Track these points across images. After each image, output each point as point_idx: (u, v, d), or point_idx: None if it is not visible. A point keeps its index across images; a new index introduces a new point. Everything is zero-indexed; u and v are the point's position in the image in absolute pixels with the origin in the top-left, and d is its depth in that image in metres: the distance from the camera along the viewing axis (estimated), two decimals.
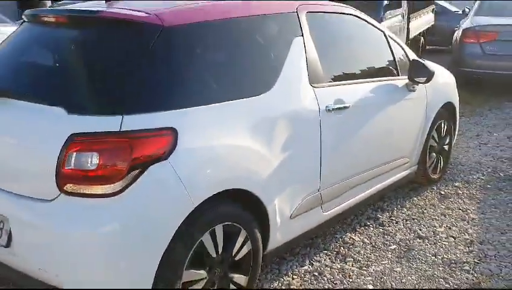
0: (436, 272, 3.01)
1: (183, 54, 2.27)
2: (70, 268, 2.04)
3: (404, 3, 8.72)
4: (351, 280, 2.92)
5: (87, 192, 2.02)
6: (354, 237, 3.42)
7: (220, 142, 2.28)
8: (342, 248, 3.28)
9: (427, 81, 3.56)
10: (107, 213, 2.00)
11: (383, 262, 3.12)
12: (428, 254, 3.22)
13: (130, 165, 2.00)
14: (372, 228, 3.57)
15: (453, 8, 13.30)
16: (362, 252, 3.24)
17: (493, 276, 2.95)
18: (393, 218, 3.73)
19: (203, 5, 2.58)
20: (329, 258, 3.16)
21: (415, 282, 2.91)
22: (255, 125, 2.45)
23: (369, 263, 3.11)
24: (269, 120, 2.54)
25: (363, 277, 2.96)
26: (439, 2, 12.95)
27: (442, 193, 4.21)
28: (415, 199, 4.08)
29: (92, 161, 2.00)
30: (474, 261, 3.12)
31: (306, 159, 2.77)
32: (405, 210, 3.87)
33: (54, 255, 2.05)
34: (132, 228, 2.03)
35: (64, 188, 2.03)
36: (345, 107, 2.96)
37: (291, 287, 2.85)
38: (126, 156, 1.99)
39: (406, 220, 3.70)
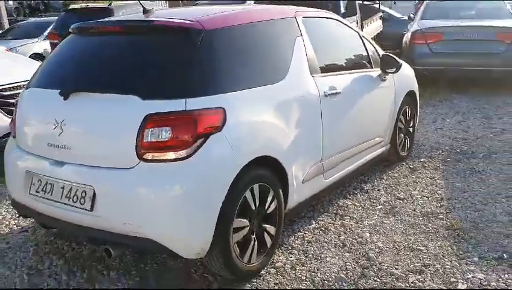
0: (417, 221, 3.75)
1: (221, 51, 2.90)
2: (151, 219, 2.61)
3: (358, 11, 9.64)
4: (351, 231, 3.61)
5: (161, 158, 2.61)
6: (346, 202, 4.13)
7: (254, 119, 2.92)
8: (338, 210, 3.97)
9: (396, 71, 4.34)
10: (179, 173, 2.60)
11: (374, 218, 3.83)
12: (408, 210, 3.96)
13: (195, 136, 2.60)
14: (359, 195, 4.28)
15: (398, 15, 14.45)
16: (355, 212, 3.94)
17: (462, 220, 3.72)
18: (375, 187, 4.46)
19: (230, 13, 3.23)
20: (330, 218, 3.83)
21: (402, 229, 3.63)
22: (276, 106, 3.10)
23: (362, 219, 3.81)
24: (285, 102, 3.20)
25: (360, 229, 3.65)
26: (385, 9, 14.05)
27: (411, 166, 4.99)
28: (390, 172, 4.83)
29: (165, 133, 2.59)
30: (446, 212, 3.88)
31: (312, 134, 3.44)
32: (383, 181, 4.61)
33: (137, 210, 2.61)
34: (199, 184, 2.64)
35: (143, 157, 2.61)
36: (337, 93, 3.67)
37: (306, 239, 3.50)
38: (192, 129, 2.60)
39: (386, 188, 4.44)
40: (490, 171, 4.77)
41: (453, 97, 8.18)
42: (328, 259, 3.23)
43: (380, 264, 3.15)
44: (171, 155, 2.60)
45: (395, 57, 4.40)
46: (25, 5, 25.82)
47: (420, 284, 2.93)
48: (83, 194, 2.77)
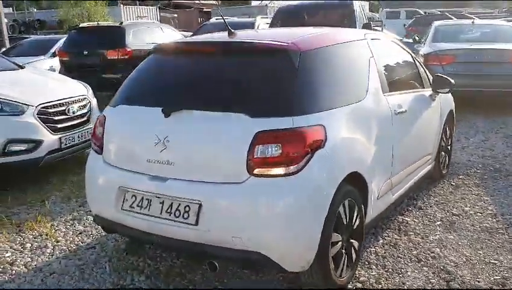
0: (480, 236, 3.87)
1: (316, 71, 3.01)
2: (261, 232, 2.68)
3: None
4: (421, 246, 3.71)
5: (271, 173, 2.69)
6: (405, 218, 4.23)
7: (347, 136, 3.03)
8: (400, 226, 4.08)
9: (450, 91, 4.51)
10: (289, 188, 2.68)
11: (437, 233, 3.94)
12: (467, 225, 4.08)
13: (304, 152, 2.70)
14: (414, 211, 4.40)
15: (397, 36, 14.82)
16: (417, 227, 4.05)
17: None
18: (426, 203, 4.58)
19: (316, 35, 3.35)
20: (395, 234, 3.94)
21: (468, 243, 3.75)
22: (361, 124, 3.22)
23: (426, 234, 3.92)
24: (367, 120, 3.32)
25: (427, 243, 3.76)
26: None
27: (453, 183, 5.14)
28: (435, 189, 4.97)
29: (275, 150, 2.68)
30: (505, 227, 4.02)
31: (386, 151, 3.56)
32: (432, 197, 4.74)
33: (247, 223, 2.68)
34: (307, 199, 2.73)
35: (254, 172, 2.69)
36: (403, 112, 3.81)
37: (379, 254, 3.59)
38: (301, 145, 2.70)
39: (437, 204, 4.57)
40: None
41: (469, 118, 8.41)
42: (409, 273, 3.32)
43: (461, 277, 3.25)
44: (280, 170, 2.69)
45: (447, 77, 4.57)
46: (20, 23, 25.75)
47: None
48: (186, 209, 2.83)
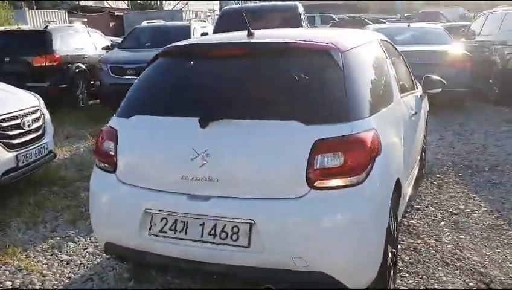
0: (490, 234, 3.90)
1: (358, 72, 2.81)
2: (326, 251, 2.43)
3: None
4: (439, 248, 3.65)
5: (334, 185, 2.45)
6: (409, 221, 4.18)
7: (390, 140, 2.87)
8: (408, 229, 4.01)
9: (442, 90, 4.54)
10: (355, 200, 2.46)
11: (447, 234, 3.92)
12: (472, 224, 4.11)
13: (368, 159, 2.49)
14: (413, 213, 4.37)
15: None
16: (425, 230, 4.01)
17: None
18: (421, 204, 4.57)
19: (340, 34, 3.17)
20: (408, 237, 3.86)
21: (482, 243, 3.76)
22: (394, 127, 3.09)
23: (438, 236, 3.88)
24: (398, 123, 3.20)
25: (445, 245, 3.71)
26: None
27: (435, 183, 5.20)
28: (421, 189, 5.00)
29: (337, 159, 2.45)
30: (507, 223, 4.09)
31: (407, 154, 3.46)
32: (423, 197, 4.75)
33: (310, 242, 2.42)
34: (374, 211, 2.53)
35: (314, 184, 2.44)
36: (414, 113, 3.75)
37: (405, 260, 3.48)
38: (364, 152, 2.49)
39: (432, 204, 4.58)
40: (506, 182, 5.12)
41: None
42: (444, 278, 3.24)
43: (495, 277, 3.22)
44: (343, 182, 2.46)
45: (438, 78, 4.60)
46: None
47: None
48: (235, 230, 2.52)
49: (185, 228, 2.61)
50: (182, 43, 3.18)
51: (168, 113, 2.77)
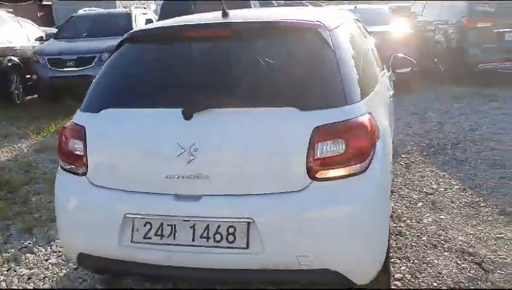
0: (468, 212, 3.88)
1: (348, 52, 2.62)
2: (332, 246, 2.24)
3: None
4: (425, 231, 3.58)
5: (337, 175, 2.26)
6: None
7: (384, 123, 2.71)
8: None
9: (412, 69, 4.45)
10: (359, 190, 2.28)
11: (426, 215, 3.87)
12: (448, 203, 4.08)
13: (370, 145, 2.32)
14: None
15: None
16: (405, 212, 3.94)
17: (505, 203, 3.95)
18: (395, 186, 4.50)
19: (320, 13, 2.96)
20: (391, 221, 3.75)
21: (462, 221, 3.73)
22: (382, 107, 2.93)
23: (419, 217, 3.82)
24: (384, 104, 3.05)
25: (428, 227, 3.65)
26: None
27: (402, 163, 5.18)
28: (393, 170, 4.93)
29: (340, 146, 2.26)
30: (482, 199, 4.09)
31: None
32: (395, 179, 4.68)
33: (314, 238, 2.22)
34: (379, 200, 2.36)
35: (316, 175, 2.24)
36: (393, 94, 3.64)
37: (391, 245, 3.38)
38: (367, 137, 2.30)
39: (405, 185, 4.53)
40: (471, 159, 5.17)
41: None
42: (436, 261, 3.16)
43: (485, 256, 3.18)
44: (347, 170, 2.27)
45: (408, 57, 4.51)
46: None
47: None
48: (230, 230, 2.28)
49: (172, 232, 2.34)
50: (152, 26, 2.86)
51: (145, 105, 2.47)
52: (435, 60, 9.96)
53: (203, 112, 2.31)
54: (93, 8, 15.17)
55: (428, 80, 9.84)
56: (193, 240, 2.31)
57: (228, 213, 2.28)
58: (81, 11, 12.55)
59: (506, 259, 3.14)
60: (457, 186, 4.43)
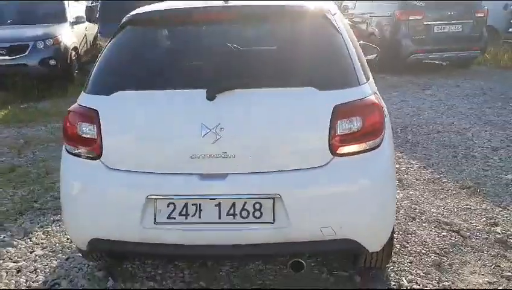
0: (434, 187, 4.21)
1: (350, 35, 2.78)
2: (352, 217, 2.40)
3: None
4: (398, 204, 3.85)
5: (356, 150, 2.41)
6: None
7: (382, 103, 2.90)
8: None
9: (377, 57, 4.71)
10: (375, 164, 2.45)
11: (397, 192, 4.15)
12: (413, 180, 4.40)
13: (383, 121, 2.49)
14: None
15: None
16: None
17: (464, 179, 4.33)
18: None
19: (321, 2, 3.08)
20: None
21: (430, 196, 4.04)
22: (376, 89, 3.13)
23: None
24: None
25: (400, 202, 3.93)
26: None
27: None
28: None
29: (357, 124, 2.41)
30: (443, 176, 4.45)
31: None
32: None
33: (336, 210, 2.37)
34: (391, 172, 2.56)
35: (337, 151, 2.38)
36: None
37: None
38: (381, 115, 2.48)
39: None
40: (422, 141, 5.57)
41: None
42: (418, 232, 3.42)
43: (460, 225, 3.50)
44: (364, 146, 2.43)
45: (373, 45, 4.76)
46: None
47: None
48: (256, 206, 2.36)
49: (197, 211, 2.39)
50: (158, 8, 2.83)
51: (163, 86, 2.48)
52: None
53: (226, 92, 2.37)
54: None
55: None
56: (219, 217, 2.37)
57: (255, 190, 2.36)
58: None
59: (479, 226, 3.48)
60: (417, 165, 4.77)
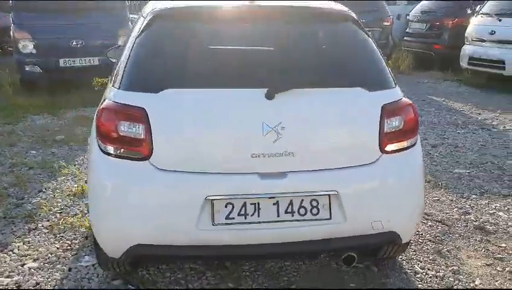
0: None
1: (372, 39, 2.93)
2: (398, 211, 2.56)
3: None
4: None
5: (400, 147, 2.57)
6: None
7: None
8: None
9: None
10: (415, 160, 2.66)
11: None
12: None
13: (418, 120, 2.67)
14: None
15: None
16: None
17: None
18: None
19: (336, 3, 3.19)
20: None
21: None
22: None
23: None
24: None
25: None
26: None
27: None
28: None
29: (400, 122, 2.56)
30: (432, 178, 4.76)
31: None
32: None
33: (385, 205, 2.51)
34: (423, 167, 2.78)
35: (385, 149, 2.52)
36: None
37: None
38: (416, 114, 2.65)
39: None
40: None
41: None
42: None
43: (439, 215, 3.84)
44: (406, 143, 2.60)
45: None
46: None
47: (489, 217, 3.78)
48: (313, 203, 2.43)
49: (256, 210, 2.38)
50: (192, 4, 2.72)
51: (218, 85, 2.42)
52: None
53: (285, 92, 2.39)
54: None
55: None
56: (278, 216, 2.39)
57: (314, 187, 2.42)
58: None
59: (454, 215, 3.85)
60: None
